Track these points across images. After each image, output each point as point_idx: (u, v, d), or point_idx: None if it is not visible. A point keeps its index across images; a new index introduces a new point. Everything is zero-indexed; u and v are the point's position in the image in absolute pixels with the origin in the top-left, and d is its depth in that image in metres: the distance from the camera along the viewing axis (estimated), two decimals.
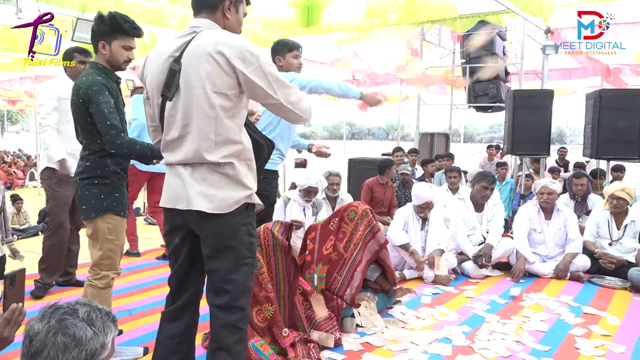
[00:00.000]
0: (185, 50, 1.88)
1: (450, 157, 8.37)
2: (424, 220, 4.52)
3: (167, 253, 2.16)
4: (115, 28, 2.46)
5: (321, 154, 3.75)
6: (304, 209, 4.56)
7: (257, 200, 2.01)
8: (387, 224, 5.63)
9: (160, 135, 2.05)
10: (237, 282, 1.96)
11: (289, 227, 3.00)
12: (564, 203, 5.44)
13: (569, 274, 4.45)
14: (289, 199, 4.58)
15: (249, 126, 2.06)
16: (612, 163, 6.58)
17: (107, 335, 1.24)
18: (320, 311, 3.00)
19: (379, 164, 6.40)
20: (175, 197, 1.96)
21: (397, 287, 3.57)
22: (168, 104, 1.92)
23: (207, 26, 1.94)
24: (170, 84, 1.89)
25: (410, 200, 4.72)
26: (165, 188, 2.03)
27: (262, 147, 2.09)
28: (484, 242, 4.65)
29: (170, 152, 1.98)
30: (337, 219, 3.32)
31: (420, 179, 7.16)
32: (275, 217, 4.48)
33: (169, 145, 1.97)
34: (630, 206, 4.64)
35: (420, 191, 4.46)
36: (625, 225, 4.58)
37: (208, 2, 1.96)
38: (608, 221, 4.67)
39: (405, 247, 4.34)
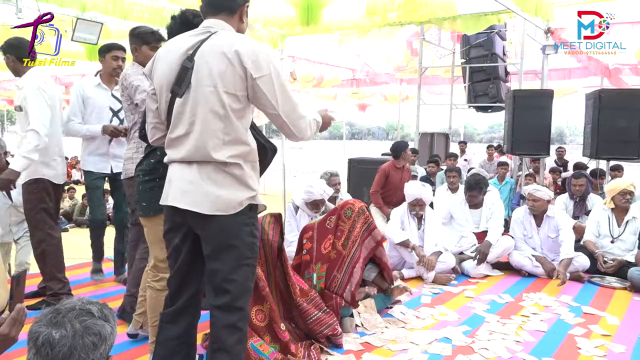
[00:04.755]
0: (199, 49, 1.89)
1: (453, 157, 8.41)
2: (420, 219, 4.52)
3: (167, 253, 2.16)
4: (185, 24, 2.39)
5: None
6: (311, 219, 4.40)
7: (260, 200, 2.02)
8: None
9: (160, 133, 2.06)
10: (238, 283, 1.96)
11: (280, 218, 2.98)
12: (564, 203, 5.44)
13: (568, 275, 4.43)
14: (298, 207, 4.48)
15: (255, 129, 2.07)
16: (611, 163, 6.58)
17: (116, 325, 1.33)
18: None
19: (392, 148, 6.22)
20: (177, 195, 1.95)
21: (395, 285, 3.57)
22: (178, 100, 1.92)
23: (221, 27, 1.95)
24: (182, 81, 1.90)
25: None
26: (167, 185, 2.02)
27: (267, 151, 2.10)
28: (476, 244, 4.67)
29: (175, 149, 1.97)
30: (334, 217, 3.32)
31: (425, 178, 7.18)
32: (286, 225, 4.39)
33: (174, 142, 1.97)
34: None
35: (409, 188, 4.53)
36: (627, 222, 4.60)
37: (228, 5, 1.97)
38: (609, 218, 4.68)
39: (405, 243, 4.33)
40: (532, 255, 4.56)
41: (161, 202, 2.04)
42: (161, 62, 1.98)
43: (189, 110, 1.90)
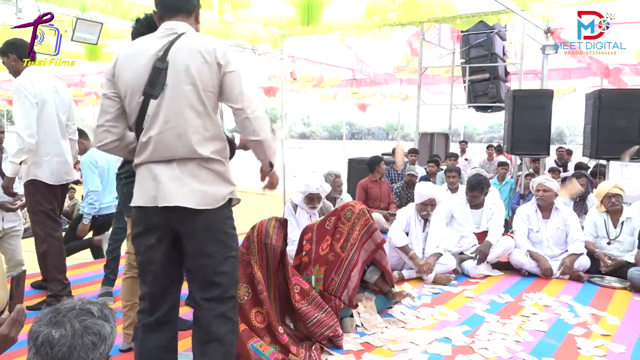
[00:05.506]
0: (170, 49, 1.90)
1: (453, 157, 8.41)
2: (426, 221, 4.50)
3: (136, 260, 2.10)
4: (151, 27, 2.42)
5: None
6: (310, 217, 4.43)
7: (236, 195, 2.08)
8: (387, 218, 5.65)
9: (112, 137, 2.03)
10: (228, 274, 2.02)
11: (285, 223, 2.97)
12: (564, 203, 5.44)
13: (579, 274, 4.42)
14: (297, 205, 4.46)
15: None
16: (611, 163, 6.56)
17: (116, 325, 1.33)
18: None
19: (368, 162, 6.43)
20: (157, 194, 1.93)
21: (396, 290, 3.56)
22: (152, 102, 1.91)
23: (185, 29, 1.98)
24: (155, 82, 1.90)
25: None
26: (141, 187, 2.00)
27: (235, 147, 2.17)
28: (476, 245, 4.66)
29: (150, 150, 1.95)
30: (333, 218, 3.31)
31: (425, 178, 7.18)
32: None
33: (148, 144, 1.95)
34: (628, 204, 4.65)
35: (422, 188, 4.48)
36: (622, 223, 4.59)
37: (185, 7, 2.01)
38: (605, 220, 4.68)
39: (405, 249, 4.32)
40: (527, 252, 4.54)
41: (134, 204, 2.01)
42: (127, 65, 1.95)
43: (164, 110, 1.91)
